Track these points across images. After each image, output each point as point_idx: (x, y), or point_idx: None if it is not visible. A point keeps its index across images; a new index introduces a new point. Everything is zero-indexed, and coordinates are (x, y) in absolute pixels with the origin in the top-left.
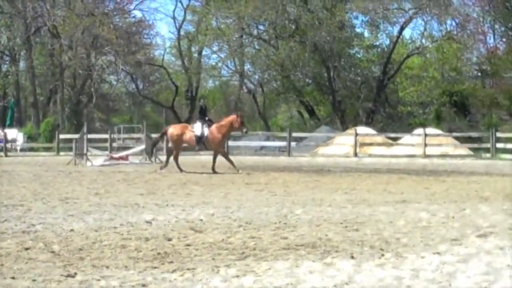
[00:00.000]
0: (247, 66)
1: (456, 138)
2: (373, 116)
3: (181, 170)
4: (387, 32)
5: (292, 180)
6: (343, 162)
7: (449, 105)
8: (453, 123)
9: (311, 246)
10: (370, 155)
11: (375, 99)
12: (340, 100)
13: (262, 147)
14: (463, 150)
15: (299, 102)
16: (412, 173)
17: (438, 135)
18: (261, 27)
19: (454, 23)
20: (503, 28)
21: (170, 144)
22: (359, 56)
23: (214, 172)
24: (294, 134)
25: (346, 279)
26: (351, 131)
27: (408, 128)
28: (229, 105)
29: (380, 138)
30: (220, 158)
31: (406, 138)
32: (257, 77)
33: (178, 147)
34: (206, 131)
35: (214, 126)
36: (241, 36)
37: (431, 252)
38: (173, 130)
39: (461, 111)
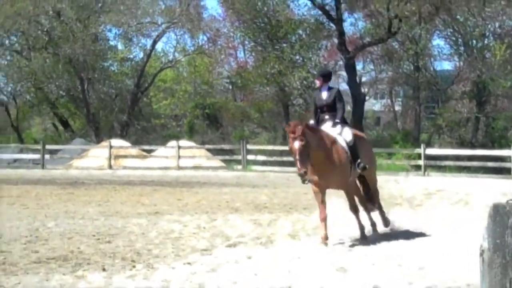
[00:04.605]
0: None
1: (209, 150)
2: (128, 128)
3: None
4: (140, 45)
5: (45, 193)
6: (97, 175)
7: (201, 117)
8: (206, 135)
9: (62, 259)
10: (124, 167)
11: (129, 111)
12: (94, 112)
13: (15, 160)
14: (216, 162)
15: (53, 114)
16: (166, 184)
17: (191, 147)
18: (13, 37)
19: (205, 38)
20: (252, 43)
21: None
22: (113, 69)
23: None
24: (48, 147)
25: None
26: (105, 143)
27: (162, 140)
28: None
29: (134, 151)
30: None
31: (160, 150)
32: (9, 89)
33: None
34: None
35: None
36: None
37: (182, 262)
38: None
39: (213, 123)
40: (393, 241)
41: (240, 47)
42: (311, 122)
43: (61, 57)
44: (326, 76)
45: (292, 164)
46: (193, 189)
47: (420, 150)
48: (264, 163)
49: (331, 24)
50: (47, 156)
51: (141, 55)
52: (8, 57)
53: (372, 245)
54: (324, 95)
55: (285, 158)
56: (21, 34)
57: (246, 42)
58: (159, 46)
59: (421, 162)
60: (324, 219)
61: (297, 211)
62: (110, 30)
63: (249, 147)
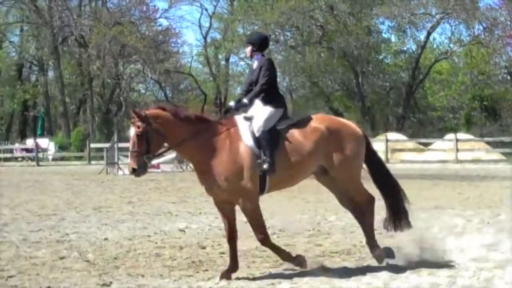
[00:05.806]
0: None
1: (488, 143)
2: (403, 121)
3: None
4: (414, 37)
5: (323, 186)
6: None
7: (479, 109)
8: (484, 127)
9: (346, 253)
10: (401, 161)
11: (404, 104)
12: (369, 105)
13: None
14: (496, 155)
15: (328, 108)
16: (445, 178)
17: (469, 140)
18: (287, 33)
19: (481, 27)
20: None
21: None
22: (387, 61)
23: None
24: None
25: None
26: (381, 136)
27: (439, 133)
28: None
29: (411, 144)
30: None
31: (437, 144)
32: (285, 84)
33: None
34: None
35: None
36: None
37: (468, 258)
38: None
39: (492, 115)
40: None
41: None
42: (231, 104)
43: (335, 51)
44: (255, 44)
45: None
46: (473, 183)
47: None
48: None
49: None
50: None
51: (415, 47)
52: (283, 53)
53: None
54: (255, 67)
55: None
56: (295, 30)
57: None
58: (433, 37)
59: None
60: (230, 239)
61: None
62: (383, 23)
63: None
